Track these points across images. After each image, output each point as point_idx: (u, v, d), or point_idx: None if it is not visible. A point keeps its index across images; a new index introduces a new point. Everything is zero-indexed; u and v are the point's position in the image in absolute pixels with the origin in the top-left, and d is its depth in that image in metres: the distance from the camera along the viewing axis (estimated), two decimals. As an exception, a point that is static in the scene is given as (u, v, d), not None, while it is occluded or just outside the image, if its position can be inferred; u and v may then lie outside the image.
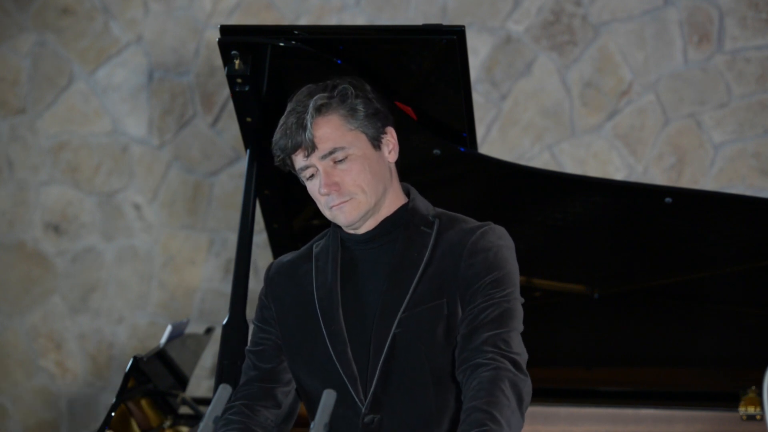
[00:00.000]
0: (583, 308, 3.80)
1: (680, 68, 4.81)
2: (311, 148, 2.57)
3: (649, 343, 3.84)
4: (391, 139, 2.65)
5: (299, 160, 2.61)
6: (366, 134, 2.60)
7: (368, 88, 2.66)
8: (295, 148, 2.59)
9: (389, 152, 2.65)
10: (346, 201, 2.59)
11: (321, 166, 2.58)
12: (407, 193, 2.70)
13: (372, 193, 2.59)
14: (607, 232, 3.65)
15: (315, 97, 2.59)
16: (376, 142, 2.61)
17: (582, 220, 3.61)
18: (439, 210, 2.68)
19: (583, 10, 4.86)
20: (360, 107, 2.60)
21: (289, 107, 2.63)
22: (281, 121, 2.63)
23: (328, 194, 2.59)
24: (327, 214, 2.64)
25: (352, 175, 2.58)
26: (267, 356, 2.73)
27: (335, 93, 2.60)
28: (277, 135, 2.62)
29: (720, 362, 3.84)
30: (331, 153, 2.57)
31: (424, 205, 2.68)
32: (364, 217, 2.61)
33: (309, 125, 2.56)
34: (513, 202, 3.63)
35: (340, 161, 2.58)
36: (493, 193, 3.64)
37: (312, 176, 2.61)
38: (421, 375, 2.56)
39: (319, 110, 2.58)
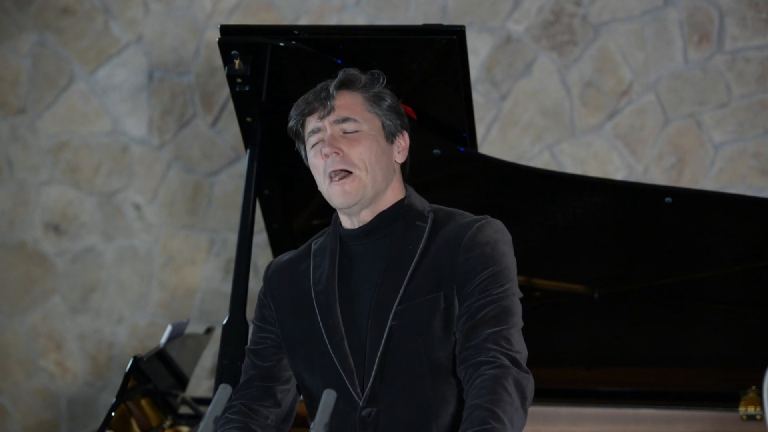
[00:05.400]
0: (583, 308, 3.80)
1: (680, 68, 4.81)
2: (328, 110, 2.59)
3: (649, 343, 3.84)
4: (402, 142, 2.67)
5: (311, 122, 2.62)
6: (383, 123, 2.63)
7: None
8: (312, 111, 2.61)
9: (398, 152, 2.66)
10: (347, 177, 2.58)
11: (331, 129, 2.59)
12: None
13: (372, 174, 2.59)
14: (607, 232, 3.65)
15: (346, 70, 2.63)
16: (390, 136, 2.64)
17: (582, 220, 3.62)
18: (435, 206, 2.69)
19: (583, 10, 4.86)
20: (387, 98, 2.65)
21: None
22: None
23: (328, 155, 2.58)
24: (324, 190, 2.62)
25: (358, 149, 2.58)
26: (266, 355, 2.73)
27: (367, 74, 2.65)
28: (298, 101, 2.65)
29: (720, 362, 3.84)
30: (344, 120, 2.59)
31: (419, 201, 2.69)
32: (361, 203, 2.59)
33: (332, 91, 2.60)
34: (513, 202, 3.63)
35: (350, 132, 2.59)
36: (493, 193, 3.64)
37: (318, 143, 2.61)
38: (418, 367, 2.56)
39: (347, 83, 2.62)
